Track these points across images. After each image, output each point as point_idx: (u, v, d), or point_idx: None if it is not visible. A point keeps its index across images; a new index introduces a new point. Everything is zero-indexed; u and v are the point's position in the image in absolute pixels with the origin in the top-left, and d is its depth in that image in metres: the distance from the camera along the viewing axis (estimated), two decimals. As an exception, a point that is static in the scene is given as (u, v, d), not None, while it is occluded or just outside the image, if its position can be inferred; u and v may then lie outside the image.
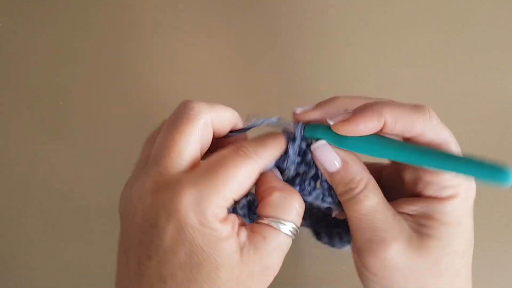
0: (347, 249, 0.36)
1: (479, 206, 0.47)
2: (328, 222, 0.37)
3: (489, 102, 0.51)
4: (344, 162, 0.28)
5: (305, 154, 0.30)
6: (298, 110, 0.30)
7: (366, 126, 0.26)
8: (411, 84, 0.52)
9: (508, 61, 0.52)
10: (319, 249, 0.38)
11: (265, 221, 0.27)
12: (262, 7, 0.55)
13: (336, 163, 0.28)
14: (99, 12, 0.56)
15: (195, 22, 0.55)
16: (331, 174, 0.29)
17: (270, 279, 0.27)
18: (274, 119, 0.30)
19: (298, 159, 0.30)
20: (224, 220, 0.26)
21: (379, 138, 0.27)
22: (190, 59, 0.54)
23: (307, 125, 0.29)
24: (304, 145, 0.29)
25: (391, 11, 0.54)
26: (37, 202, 0.49)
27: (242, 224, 0.28)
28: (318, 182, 0.30)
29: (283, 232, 0.27)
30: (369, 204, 0.28)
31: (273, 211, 0.27)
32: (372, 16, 0.54)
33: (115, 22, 0.55)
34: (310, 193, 0.30)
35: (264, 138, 0.29)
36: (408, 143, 0.27)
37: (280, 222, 0.27)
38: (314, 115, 0.29)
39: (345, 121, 0.27)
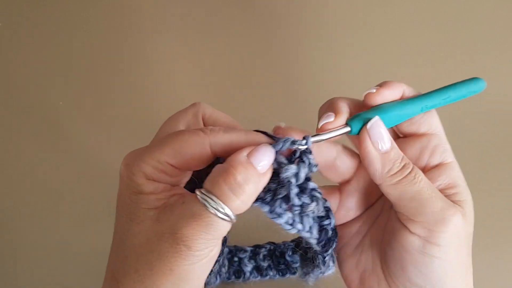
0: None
1: (480, 206, 0.47)
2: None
3: (489, 102, 0.51)
4: (393, 143, 0.29)
5: (279, 170, 0.28)
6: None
7: (393, 92, 0.30)
8: (411, 84, 0.52)
9: (508, 61, 0.52)
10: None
11: (197, 191, 0.26)
12: (263, 8, 0.55)
13: (387, 141, 0.29)
14: (99, 12, 0.56)
15: (195, 22, 0.55)
16: (387, 152, 0.29)
17: (182, 251, 0.25)
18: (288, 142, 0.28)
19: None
20: (152, 179, 0.27)
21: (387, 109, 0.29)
22: (190, 59, 0.54)
23: (351, 120, 0.29)
24: (283, 160, 0.28)
25: (391, 12, 0.54)
26: (37, 201, 0.49)
27: (186, 194, 0.28)
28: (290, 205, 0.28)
29: (205, 207, 0.25)
30: (424, 182, 0.28)
31: (208, 183, 0.26)
32: (372, 16, 0.54)
33: (115, 22, 0.55)
34: (280, 215, 0.28)
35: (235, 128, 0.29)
36: (407, 99, 0.30)
37: (209, 198, 0.25)
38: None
39: (374, 93, 0.30)
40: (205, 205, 0.25)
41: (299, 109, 0.51)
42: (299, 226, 0.29)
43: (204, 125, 0.32)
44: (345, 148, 0.32)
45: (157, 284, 0.26)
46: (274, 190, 0.28)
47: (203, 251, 0.26)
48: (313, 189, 0.29)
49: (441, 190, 0.30)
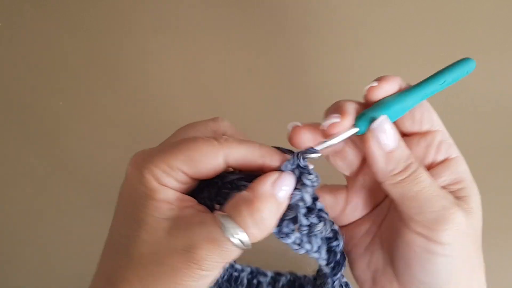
0: None
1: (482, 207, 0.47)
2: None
3: (489, 102, 0.51)
4: (400, 140, 0.29)
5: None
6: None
7: (391, 86, 0.30)
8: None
9: (508, 61, 0.52)
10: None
11: (219, 215, 0.26)
12: (263, 8, 0.55)
13: (396, 141, 0.29)
14: (99, 13, 0.56)
15: (196, 22, 0.55)
16: (391, 151, 0.29)
17: (193, 269, 0.25)
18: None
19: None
20: (164, 185, 0.26)
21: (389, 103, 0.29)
22: (192, 59, 0.54)
23: (358, 120, 0.29)
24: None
25: (392, 11, 0.54)
26: (37, 201, 0.49)
27: (200, 210, 0.27)
28: (297, 226, 0.28)
29: (222, 233, 0.25)
30: (428, 176, 0.29)
31: (231, 209, 0.26)
32: (372, 16, 0.54)
33: (115, 22, 0.55)
34: (288, 235, 0.28)
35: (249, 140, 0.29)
36: (407, 90, 0.30)
37: (228, 221, 0.25)
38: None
39: (376, 86, 0.30)
40: (226, 234, 0.25)
41: (301, 108, 0.51)
42: (307, 246, 0.29)
43: None
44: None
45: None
46: (286, 212, 0.28)
47: (212, 271, 0.25)
48: (320, 210, 0.29)
49: (446, 186, 0.30)
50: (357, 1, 0.54)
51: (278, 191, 0.26)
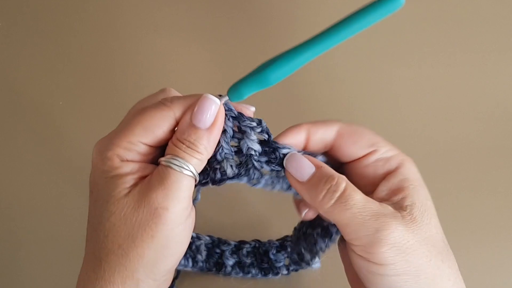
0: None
1: (478, 207, 0.47)
2: (306, 236, 0.38)
3: (489, 102, 0.51)
4: (317, 166, 0.29)
5: (242, 142, 0.31)
6: None
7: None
8: (410, 84, 0.52)
9: (508, 61, 0.52)
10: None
11: (161, 158, 0.29)
12: (263, 7, 0.55)
13: (310, 167, 0.29)
14: (99, 12, 0.56)
15: (196, 22, 0.55)
16: (308, 181, 0.29)
17: (160, 214, 0.27)
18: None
19: (233, 149, 0.31)
20: (127, 160, 0.29)
21: (291, 54, 0.28)
22: (192, 58, 0.54)
23: (231, 93, 0.30)
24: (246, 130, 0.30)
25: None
26: (37, 202, 0.49)
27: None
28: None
29: (171, 169, 0.28)
30: (358, 198, 0.28)
31: (168, 149, 0.29)
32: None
33: (116, 22, 0.55)
34: (259, 181, 0.31)
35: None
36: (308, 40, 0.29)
37: (172, 159, 0.28)
38: None
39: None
40: (170, 167, 0.28)
41: (301, 108, 0.51)
42: (278, 186, 0.31)
43: None
44: (346, 125, 0.32)
45: (140, 253, 0.27)
46: (245, 163, 0.30)
47: (179, 213, 0.28)
48: (277, 148, 0.30)
49: (387, 198, 0.29)
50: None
51: (197, 120, 0.29)
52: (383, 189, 0.30)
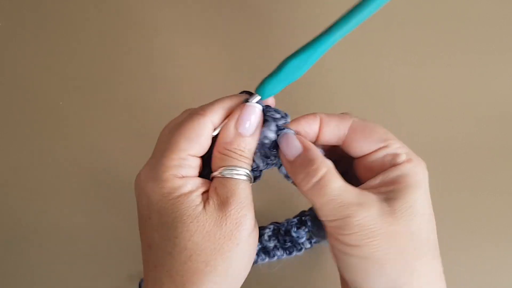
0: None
1: (478, 207, 0.47)
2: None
3: (488, 102, 0.51)
4: (305, 148, 0.30)
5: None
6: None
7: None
8: (410, 83, 0.52)
9: (508, 61, 0.52)
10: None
11: (216, 173, 0.30)
12: (263, 7, 0.55)
13: (298, 148, 0.30)
14: (100, 12, 0.56)
15: (195, 22, 0.55)
16: (293, 160, 0.30)
17: (241, 221, 0.28)
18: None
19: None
20: (183, 178, 0.29)
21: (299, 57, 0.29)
22: (192, 59, 0.54)
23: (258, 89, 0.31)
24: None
25: (390, 11, 0.54)
26: (37, 202, 0.49)
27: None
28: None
29: (231, 178, 0.29)
30: (336, 185, 0.28)
31: (220, 162, 0.30)
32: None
33: (116, 22, 0.55)
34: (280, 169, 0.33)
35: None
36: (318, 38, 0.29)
37: (228, 169, 0.29)
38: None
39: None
40: (233, 177, 0.29)
41: (301, 107, 0.51)
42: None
43: None
44: (360, 120, 0.32)
45: (228, 264, 0.28)
46: (270, 150, 0.32)
47: (253, 218, 0.29)
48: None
49: (376, 187, 0.30)
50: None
51: (243, 129, 0.30)
52: (377, 178, 0.30)
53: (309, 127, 0.31)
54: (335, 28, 0.28)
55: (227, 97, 0.31)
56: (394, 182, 0.30)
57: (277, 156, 0.32)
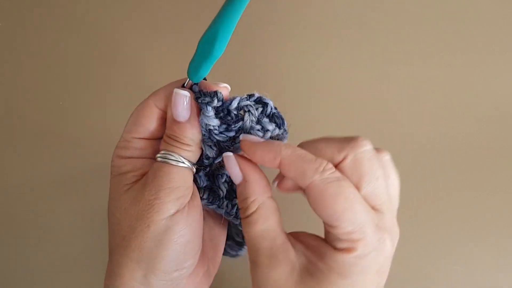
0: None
1: (478, 207, 0.47)
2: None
3: (488, 102, 0.51)
4: (244, 179, 0.29)
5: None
6: None
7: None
8: (409, 83, 0.52)
9: (508, 61, 0.52)
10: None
11: (157, 154, 0.30)
12: (263, 7, 0.55)
13: (238, 177, 0.30)
14: (99, 12, 0.56)
15: (195, 22, 0.55)
16: (236, 186, 0.30)
17: (155, 204, 0.28)
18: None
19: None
20: (126, 158, 0.31)
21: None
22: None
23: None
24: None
25: (389, 10, 0.54)
26: (37, 202, 0.49)
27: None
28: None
29: (166, 163, 0.29)
30: (257, 228, 0.28)
31: (161, 146, 0.30)
32: (369, 15, 0.54)
33: (116, 22, 0.55)
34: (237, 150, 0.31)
35: None
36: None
37: (168, 154, 0.29)
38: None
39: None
40: (166, 162, 0.29)
41: (301, 107, 0.51)
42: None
43: None
44: (323, 185, 0.29)
45: (140, 243, 0.28)
46: (208, 139, 0.31)
47: (174, 202, 0.29)
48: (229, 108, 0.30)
49: (310, 249, 0.28)
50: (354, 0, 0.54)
51: (177, 114, 0.30)
52: (316, 240, 0.29)
53: (265, 164, 0.29)
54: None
55: (174, 82, 0.32)
56: (322, 259, 0.27)
57: (231, 147, 0.30)
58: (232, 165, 0.30)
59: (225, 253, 0.40)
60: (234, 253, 0.41)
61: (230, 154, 0.30)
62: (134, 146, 0.31)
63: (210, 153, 0.31)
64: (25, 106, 0.53)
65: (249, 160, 0.30)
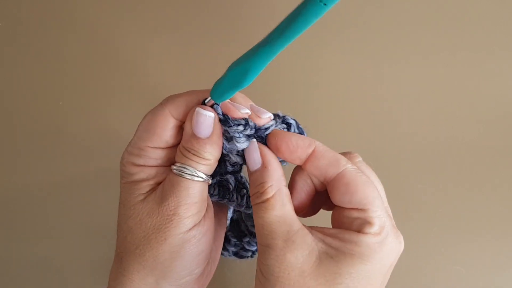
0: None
1: (472, 206, 0.47)
2: (240, 233, 0.39)
3: (489, 102, 0.51)
4: (263, 165, 0.29)
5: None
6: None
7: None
8: (409, 83, 0.52)
9: (508, 61, 0.52)
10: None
11: (172, 166, 0.30)
12: (262, 7, 0.55)
13: (257, 162, 0.30)
14: (100, 12, 0.56)
15: (195, 22, 0.55)
16: (251, 173, 0.30)
17: (173, 220, 0.28)
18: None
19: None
20: (139, 166, 0.30)
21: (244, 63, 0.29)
22: (191, 59, 0.54)
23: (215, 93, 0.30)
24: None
25: (389, 10, 0.54)
26: (37, 202, 0.49)
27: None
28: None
29: (181, 176, 0.29)
30: (275, 213, 0.28)
31: (177, 158, 0.30)
32: (370, 15, 0.54)
33: (116, 22, 0.55)
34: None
35: None
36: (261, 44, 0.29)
37: (183, 167, 0.29)
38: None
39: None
40: (181, 175, 0.29)
41: (301, 107, 0.51)
42: None
43: None
44: (353, 172, 0.30)
45: (155, 254, 0.29)
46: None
47: (190, 218, 0.29)
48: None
49: (330, 237, 0.28)
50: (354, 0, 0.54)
51: (198, 131, 0.29)
52: (335, 229, 0.29)
53: (295, 152, 0.29)
54: (274, 38, 0.27)
55: (193, 91, 0.31)
56: (343, 240, 0.27)
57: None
58: (253, 151, 0.30)
59: (240, 254, 0.41)
60: (253, 249, 0.40)
61: (254, 140, 0.30)
62: (148, 155, 0.30)
63: (239, 160, 0.32)
64: (25, 106, 0.53)
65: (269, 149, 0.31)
